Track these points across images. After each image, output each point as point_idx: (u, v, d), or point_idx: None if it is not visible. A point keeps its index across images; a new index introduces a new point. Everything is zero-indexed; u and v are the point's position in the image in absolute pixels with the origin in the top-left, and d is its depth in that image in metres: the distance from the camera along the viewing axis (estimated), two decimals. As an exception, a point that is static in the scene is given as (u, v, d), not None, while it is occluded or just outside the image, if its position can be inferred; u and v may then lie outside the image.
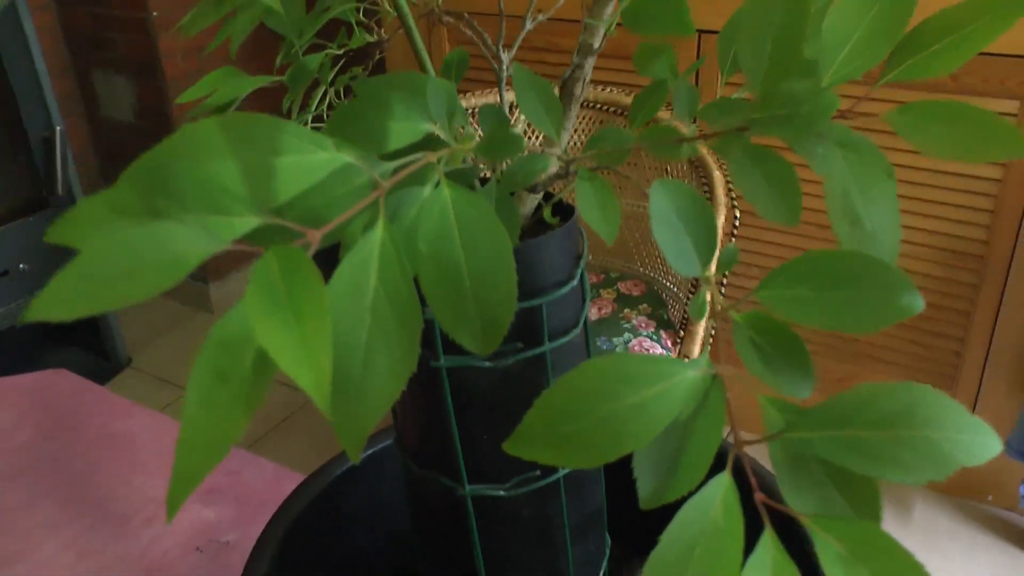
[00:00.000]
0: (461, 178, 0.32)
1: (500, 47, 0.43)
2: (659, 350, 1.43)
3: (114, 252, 0.23)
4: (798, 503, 0.30)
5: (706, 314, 0.32)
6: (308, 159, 0.26)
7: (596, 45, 0.43)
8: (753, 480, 0.30)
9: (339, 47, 0.58)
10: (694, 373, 0.30)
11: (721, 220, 1.43)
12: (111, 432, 1.16)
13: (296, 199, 0.26)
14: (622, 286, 1.60)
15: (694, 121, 0.39)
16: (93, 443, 1.14)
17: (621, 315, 1.52)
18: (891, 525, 1.70)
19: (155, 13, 2.18)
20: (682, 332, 1.47)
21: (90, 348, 2.28)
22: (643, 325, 1.47)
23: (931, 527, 1.70)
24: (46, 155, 1.97)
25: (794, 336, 0.30)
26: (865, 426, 0.28)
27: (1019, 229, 1.49)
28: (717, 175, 1.44)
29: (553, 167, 0.38)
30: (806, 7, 0.31)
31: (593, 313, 1.52)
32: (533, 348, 0.42)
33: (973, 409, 1.66)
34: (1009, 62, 1.40)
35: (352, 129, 0.28)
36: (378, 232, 0.26)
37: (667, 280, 1.63)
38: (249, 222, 0.25)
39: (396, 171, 0.28)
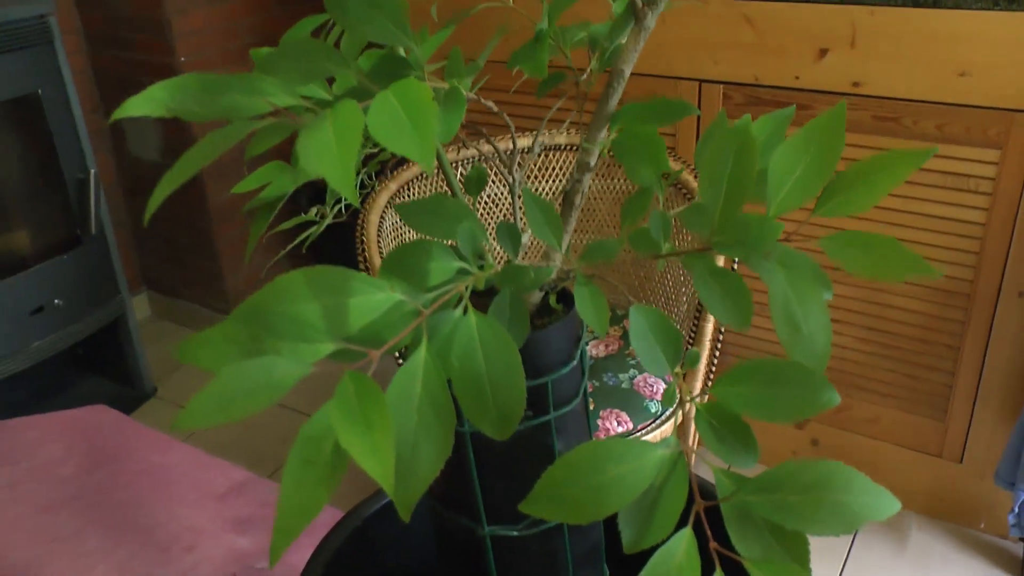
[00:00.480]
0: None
1: (514, 168, 0.52)
2: (662, 385, 1.51)
3: (236, 378, 0.32)
4: (745, 550, 0.39)
5: (675, 401, 0.41)
6: (371, 298, 0.35)
7: (592, 163, 0.52)
8: (709, 532, 0.39)
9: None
10: (663, 451, 0.39)
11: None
12: (150, 465, 1.25)
13: (362, 327, 0.35)
14: (627, 324, 1.69)
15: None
16: (134, 475, 1.23)
17: (626, 351, 1.60)
18: (887, 550, 1.78)
19: (183, 59, 2.29)
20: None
21: (117, 377, 2.38)
22: (646, 361, 1.56)
23: (926, 552, 1.77)
24: (80, 196, 2.08)
25: (742, 423, 0.39)
26: (793, 492, 0.37)
27: (1004, 270, 1.57)
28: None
29: (555, 272, 0.47)
30: (753, 159, 0.40)
31: (600, 350, 1.61)
32: (540, 416, 0.51)
33: (965, 440, 1.74)
34: (991, 113, 1.49)
35: (402, 269, 0.37)
36: (421, 352, 0.35)
37: (671, 318, 1.71)
38: (327, 347, 0.34)
39: (434, 300, 0.37)
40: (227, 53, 2.42)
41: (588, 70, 0.53)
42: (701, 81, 1.74)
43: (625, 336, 1.65)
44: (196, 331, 2.66)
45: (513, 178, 0.51)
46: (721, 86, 1.71)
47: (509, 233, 0.46)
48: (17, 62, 1.92)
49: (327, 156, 0.32)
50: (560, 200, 0.52)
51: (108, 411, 1.37)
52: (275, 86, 0.37)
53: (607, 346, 1.62)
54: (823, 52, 1.59)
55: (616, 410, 1.47)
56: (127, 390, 2.37)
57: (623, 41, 0.52)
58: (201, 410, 0.30)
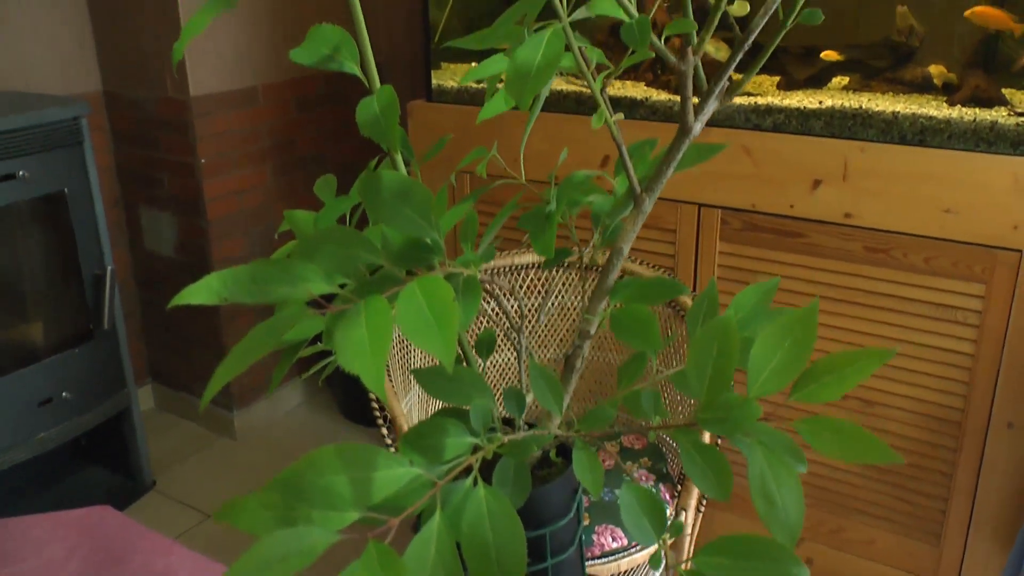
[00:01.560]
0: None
1: (521, 330, 0.57)
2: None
3: (274, 545, 0.36)
4: None
5: (661, 565, 0.45)
6: (393, 472, 0.39)
7: (592, 331, 0.57)
8: None
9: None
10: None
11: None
12: (153, 568, 1.27)
13: (384, 498, 0.39)
14: (625, 440, 1.72)
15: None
16: (135, 579, 1.25)
17: (622, 468, 1.63)
18: None
19: (203, 160, 2.39)
20: (679, 486, 1.58)
21: (118, 468, 2.40)
22: (643, 478, 1.59)
23: None
24: (96, 291, 2.14)
25: (720, 590, 0.43)
26: (729, 557, 0.42)
27: (992, 401, 1.61)
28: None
29: (554, 434, 0.52)
30: (733, 352, 0.45)
31: (596, 464, 1.63)
32: (539, 563, 0.55)
33: (960, 565, 1.75)
34: (976, 250, 1.55)
35: (421, 444, 0.42)
36: (435, 520, 0.40)
37: (667, 434, 1.75)
38: (353, 516, 0.39)
39: (448, 471, 0.42)
40: (246, 155, 2.52)
41: (591, 244, 0.58)
42: (701, 205, 1.82)
43: (622, 452, 1.68)
44: (199, 425, 2.69)
45: (520, 342, 0.56)
46: (720, 211, 1.79)
47: (516, 399, 0.51)
48: (48, 161, 2.00)
49: (361, 356, 0.37)
50: (562, 364, 0.57)
51: (111, 512, 1.40)
52: (315, 274, 0.43)
53: (604, 461, 1.65)
54: (817, 183, 1.67)
55: (611, 526, 1.49)
56: (127, 482, 2.39)
57: (623, 219, 0.58)
58: (241, 573, 0.35)
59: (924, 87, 1.74)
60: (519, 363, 0.57)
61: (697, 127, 0.53)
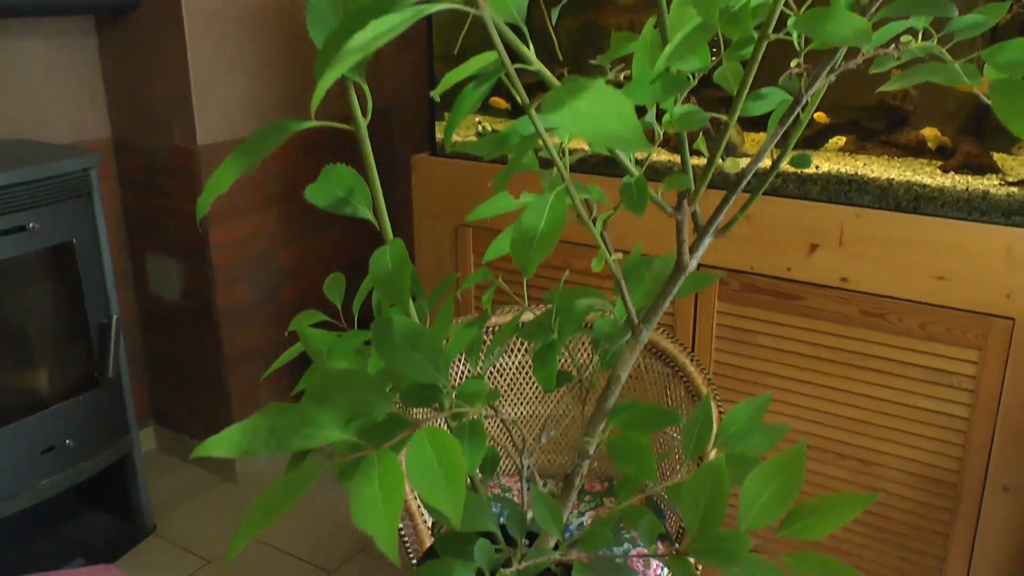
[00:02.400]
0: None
1: (523, 454, 0.60)
2: (655, 563, 1.55)
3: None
4: None
5: None
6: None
7: (591, 452, 0.60)
8: None
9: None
10: None
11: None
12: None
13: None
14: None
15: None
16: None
17: (622, 525, 1.65)
18: None
19: (209, 208, 2.42)
20: (677, 544, 1.59)
21: (118, 512, 2.41)
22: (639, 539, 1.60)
23: None
24: (101, 339, 2.16)
25: None
26: None
27: (988, 464, 1.63)
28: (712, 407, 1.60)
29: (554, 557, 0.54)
30: (724, 494, 0.48)
31: (595, 523, 1.65)
32: None
33: (955, 625, 1.76)
34: (970, 317, 1.58)
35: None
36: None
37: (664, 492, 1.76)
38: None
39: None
40: (252, 202, 2.55)
41: (590, 367, 0.61)
42: (701, 265, 1.84)
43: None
44: (200, 468, 2.70)
45: (523, 464, 0.59)
46: (719, 271, 1.82)
47: (518, 523, 0.53)
48: (57, 212, 2.03)
49: (375, 516, 0.39)
50: (562, 482, 0.59)
51: (114, 571, 1.41)
52: (330, 421, 0.45)
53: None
54: (814, 247, 1.70)
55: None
56: (127, 526, 2.40)
57: (623, 344, 0.60)
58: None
59: (918, 151, 1.78)
60: (522, 484, 0.59)
61: (692, 264, 0.56)
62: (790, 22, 0.47)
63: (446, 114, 2.32)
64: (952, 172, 1.64)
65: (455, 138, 2.17)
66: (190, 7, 2.28)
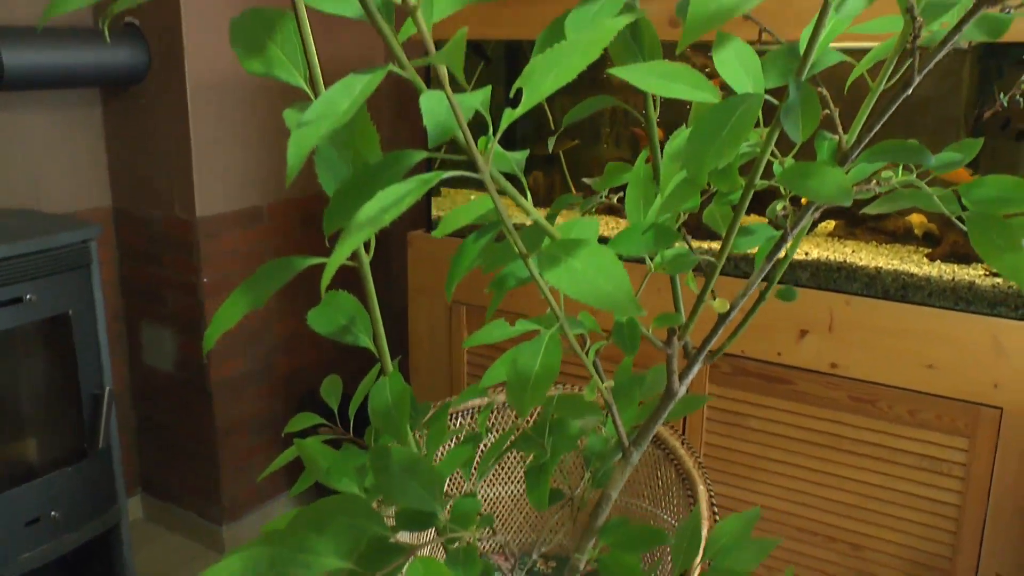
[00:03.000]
0: None
1: (515, 567, 0.60)
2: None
3: None
4: None
5: None
6: None
7: (581, 567, 0.61)
8: None
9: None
10: None
11: (704, 531, 1.57)
12: None
13: None
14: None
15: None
16: None
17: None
18: None
19: (206, 279, 2.44)
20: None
21: (103, 585, 2.37)
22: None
23: None
24: (93, 410, 2.16)
25: None
26: None
27: (979, 552, 1.63)
28: (702, 489, 1.60)
29: None
30: None
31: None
32: None
33: None
34: (959, 405, 1.59)
35: None
36: None
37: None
38: None
39: None
40: (249, 273, 2.56)
41: (582, 484, 0.62)
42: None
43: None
44: (187, 538, 2.67)
45: (514, 581, 0.59)
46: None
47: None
48: (55, 284, 2.05)
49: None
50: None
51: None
52: (328, 549, 0.46)
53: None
54: (803, 333, 1.72)
55: None
56: (111, 599, 2.36)
57: (614, 463, 0.61)
58: None
59: (906, 237, 1.81)
60: (512, 601, 0.60)
61: (682, 390, 0.58)
62: (775, 169, 0.49)
63: (443, 190, 2.36)
64: (939, 261, 1.67)
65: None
66: (193, 80, 2.33)
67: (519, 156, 0.45)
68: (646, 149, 0.56)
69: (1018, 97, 1.39)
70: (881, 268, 1.67)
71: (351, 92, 0.33)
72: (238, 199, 2.51)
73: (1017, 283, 0.58)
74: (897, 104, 0.48)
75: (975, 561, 1.65)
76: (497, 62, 2.29)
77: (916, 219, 1.87)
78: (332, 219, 0.38)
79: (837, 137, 0.51)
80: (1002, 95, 1.40)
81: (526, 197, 0.43)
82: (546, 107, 1.55)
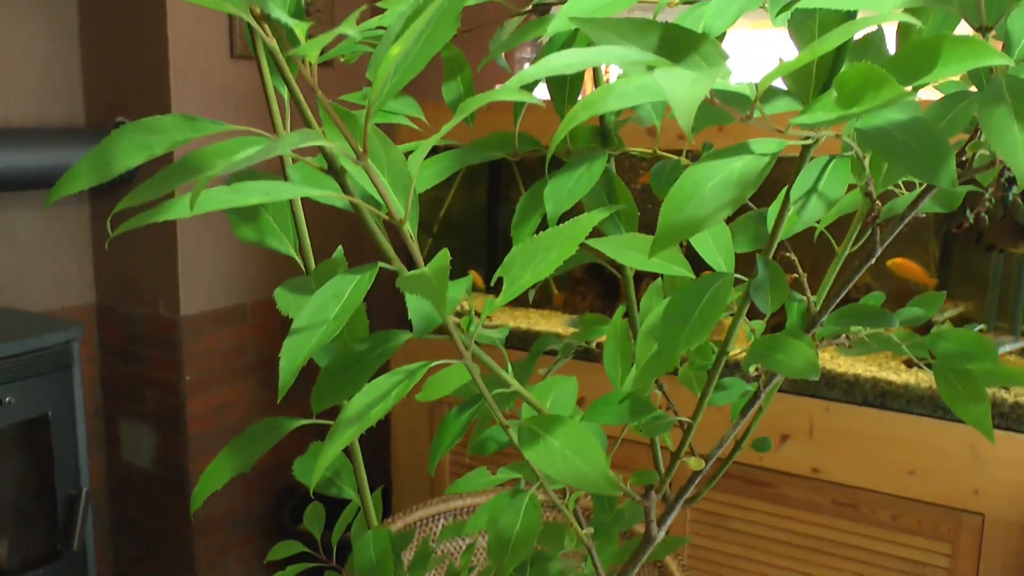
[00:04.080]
0: None
1: None
2: None
3: None
4: None
5: None
6: None
7: None
8: None
9: None
10: None
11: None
12: None
13: None
14: None
15: None
16: None
17: None
18: None
19: (188, 377, 2.43)
20: None
21: None
22: None
23: None
24: (68, 511, 2.12)
25: None
26: None
27: (965, 661, 1.61)
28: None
29: None
30: None
31: None
32: None
33: None
34: (941, 511, 1.60)
35: None
36: None
37: None
38: None
39: None
40: (232, 370, 2.56)
41: (564, 631, 0.62)
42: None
43: None
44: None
45: None
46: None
47: None
48: (36, 386, 2.04)
49: None
50: None
51: None
52: None
53: None
54: (784, 437, 1.73)
55: None
56: None
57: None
58: None
59: (883, 341, 1.83)
60: None
61: (660, 535, 0.59)
62: (747, 334, 0.51)
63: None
64: (915, 368, 1.69)
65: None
66: (182, 183, 2.37)
67: (499, 335, 0.47)
68: (623, 306, 0.58)
69: (983, 214, 1.44)
70: (859, 375, 1.69)
71: (340, 296, 0.35)
72: (223, 297, 2.52)
73: (983, 433, 0.60)
74: (861, 272, 0.51)
75: (963, 668, 1.63)
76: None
77: (892, 321, 1.90)
78: (320, 400, 0.40)
79: (806, 300, 0.53)
80: (969, 212, 1.45)
81: (507, 370, 0.45)
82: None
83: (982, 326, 1.70)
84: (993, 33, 0.39)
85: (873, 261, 0.52)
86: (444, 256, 0.34)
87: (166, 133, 0.44)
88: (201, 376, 2.47)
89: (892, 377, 1.67)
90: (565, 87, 0.57)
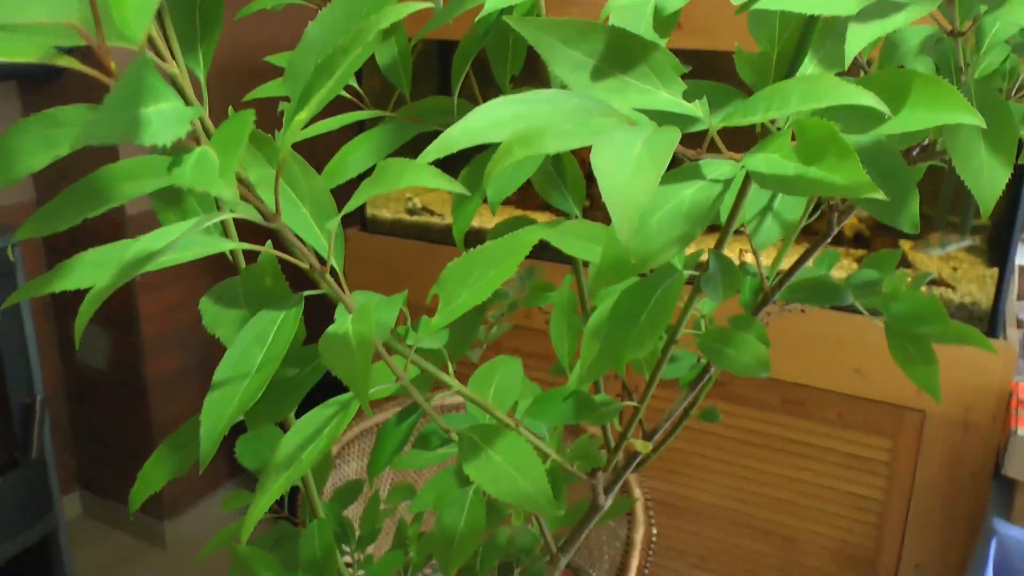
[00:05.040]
0: None
1: None
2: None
3: None
4: None
5: None
6: None
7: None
8: None
9: None
10: None
11: (639, 536, 1.61)
12: None
13: None
14: None
15: None
16: None
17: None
18: None
19: (139, 276, 2.38)
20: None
21: (41, 588, 2.34)
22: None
23: None
24: (24, 420, 2.11)
25: None
26: None
27: (901, 544, 1.70)
28: (637, 492, 1.63)
29: None
30: None
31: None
32: None
33: None
34: (885, 408, 1.65)
35: None
36: None
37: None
38: None
39: None
40: (183, 268, 2.52)
41: (514, 590, 0.63)
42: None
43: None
44: (127, 535, 2.65)
45: None
46: (646, 355, 1.86)
47: None
48: (-23, 294, 1.98)
49: None
50: None
51: None
52: None
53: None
54: (737, 337, 1.76)
55: None
56: (50, 604, 2.33)
57: (544, 564, 0.62)
58: None
59: (836, 238, 1.85)
60: None
61: (608, 503, 0.59)
62: (697, 341, 0.50)
63: (379, 181, 2.32)
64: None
65: (387, 213, 2.18)
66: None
67: (439, 342, 0.45)
68: (570, 275, 0.57)
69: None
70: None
71: (264, 338, 0.32)
72: (169, 193, 2.44)
73: (930, 394, 0.61)
74: (817, 252, 0.49)
75: (897, 552, 1.72)
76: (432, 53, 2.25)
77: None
78: (251, 422, 0.37)
79: (759, 277, 0.52)
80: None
81: (449, 373, 0.43)
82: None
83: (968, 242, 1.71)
84: (967, 32, 0.36)
85: (829, 240, 0.50)
86: (367, 309, 0.32)
87: (72, 126, 0.40)
88: (153, 275, 2.42)
89: (843, 275, 1.68)
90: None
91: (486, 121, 0.28)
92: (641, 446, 0.52)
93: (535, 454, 0.39)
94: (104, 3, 0.28)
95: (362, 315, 0.32)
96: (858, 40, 0.27)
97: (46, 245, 2.53)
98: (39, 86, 2.36)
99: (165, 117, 0.27)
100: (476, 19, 0.42)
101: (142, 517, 2.64)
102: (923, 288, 1.64)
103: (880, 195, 0.24)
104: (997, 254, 1.62)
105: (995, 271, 1.63)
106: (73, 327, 2.53)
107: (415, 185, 0.30)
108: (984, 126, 0.25)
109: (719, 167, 0.32)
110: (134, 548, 2.63)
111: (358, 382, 0.29)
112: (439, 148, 0.27)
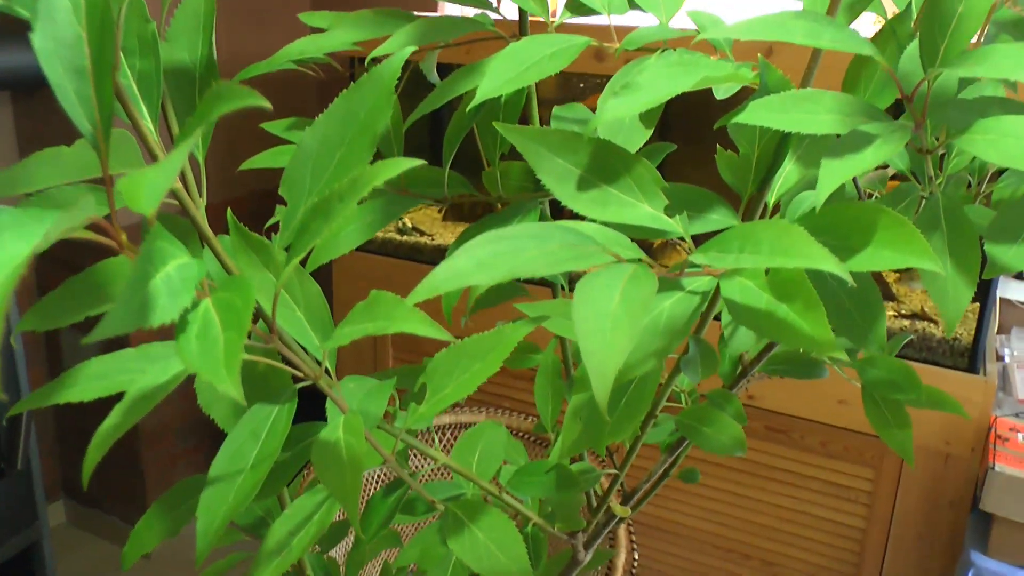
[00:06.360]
0: None
1: None
2: None
3: None
4: None
5: None
6: None
7: None
8: None
9: None
10: None
11: (622, 561, 1.63)
12: None
13: None
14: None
15: None
16: None
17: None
18: None
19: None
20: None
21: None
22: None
23: None
24: (10, 430, 2.11)
25: None
26: None
27: (881, 568, 1.72)
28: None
29: None
30: None
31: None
32: None
33: None
34: (865, 438, 1.67)
35: None
36: None
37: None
38: None
39: None
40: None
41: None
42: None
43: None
44: (112, 543, 2.64)
45: None
46: (633, 379, 1.88)
47: None
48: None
49: None
50: None
51: None
52: None
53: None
54: (723, 364, 1.78)
55: None
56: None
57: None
58: None
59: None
60: None
61: (588, 557, 0.60)
62: (676, 419, 0.51)
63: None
64: (851, 298, 1.73)
65: (377, 233, 2.19)
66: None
67: (426, 423, 0.46)
68: (555, 339, 0.58)
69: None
70: (797, 305, 1.72)
71: (258, 435, 0.34)
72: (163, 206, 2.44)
73: (904, 459, 0.62)
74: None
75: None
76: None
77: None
78: (205, 519, 0.37)
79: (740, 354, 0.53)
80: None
81: (433, 446, 0.45)
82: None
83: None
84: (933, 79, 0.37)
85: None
86: (357, 420, 0.33)
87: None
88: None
89: (828, 311, 1.70)
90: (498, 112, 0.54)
91: (471, 262, 0.29)
92: (620, 511, 0.54)
93: (516, 532, 0.41)
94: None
95: (353, 425, 0.33)
96: (832, 179, 0.28)
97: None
98: (31, 94, 2.37)
99: (172, 286, 0.28)
100: (467, 108, 0.43)
101: (126, 526, 2.63)
102: (906, 323, 1.66)
103: (844, 356, 0.25)
104: (979, 289, 1.65)
105: (976, 306, 1.66)
106: (60, 340, 2.53)
107: (401, 332, 0.32)
108: (944, 273, 0.26)
109: (697, 281, 0.34)
110: (118, 556, 2.62)
111: (348, 500, 0.30)
112: (426, 290, 0.28)
